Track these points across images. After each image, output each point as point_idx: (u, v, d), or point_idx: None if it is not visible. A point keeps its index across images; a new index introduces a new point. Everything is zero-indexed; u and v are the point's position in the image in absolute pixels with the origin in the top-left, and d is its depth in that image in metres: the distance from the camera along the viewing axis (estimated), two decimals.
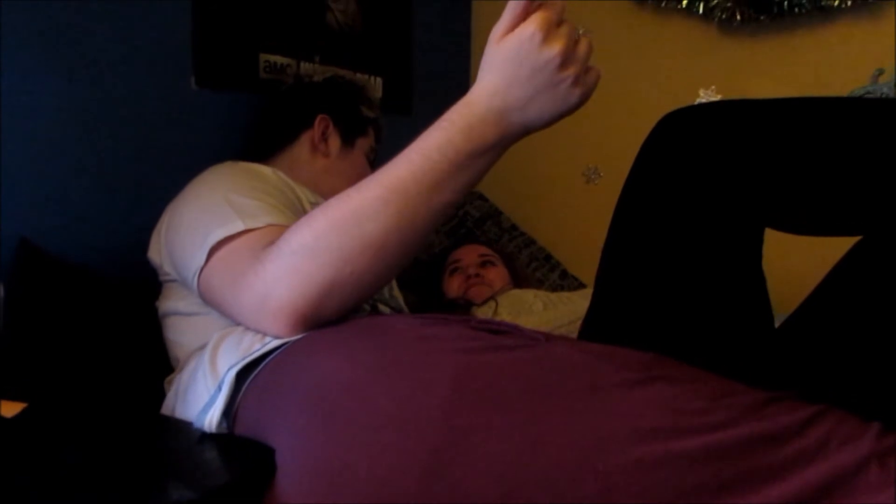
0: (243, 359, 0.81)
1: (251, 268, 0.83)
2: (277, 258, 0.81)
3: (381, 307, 1.10)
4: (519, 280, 1.77)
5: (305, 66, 1.59)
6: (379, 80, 1.81)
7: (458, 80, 2.14)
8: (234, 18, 1.45)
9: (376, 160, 1.40)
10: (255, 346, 0.82)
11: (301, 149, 1.30)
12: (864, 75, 1.58)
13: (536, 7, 0.78)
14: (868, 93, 1.54)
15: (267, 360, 0.80)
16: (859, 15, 1.66)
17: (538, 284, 1.90)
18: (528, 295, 1.62)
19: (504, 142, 0.81)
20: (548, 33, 0.77)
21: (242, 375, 0.80)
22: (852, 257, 0.79)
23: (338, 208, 0.81)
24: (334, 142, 1.31)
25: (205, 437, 0.79)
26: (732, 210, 0.80)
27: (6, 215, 1.09)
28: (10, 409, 0.79)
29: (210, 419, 0.79)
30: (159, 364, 1.03)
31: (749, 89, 1.74)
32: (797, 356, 0.79)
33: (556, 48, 0.77)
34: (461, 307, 1.59)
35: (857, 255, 0.79)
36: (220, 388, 0.80)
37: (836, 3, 1.64)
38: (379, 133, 1.41)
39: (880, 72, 1.56)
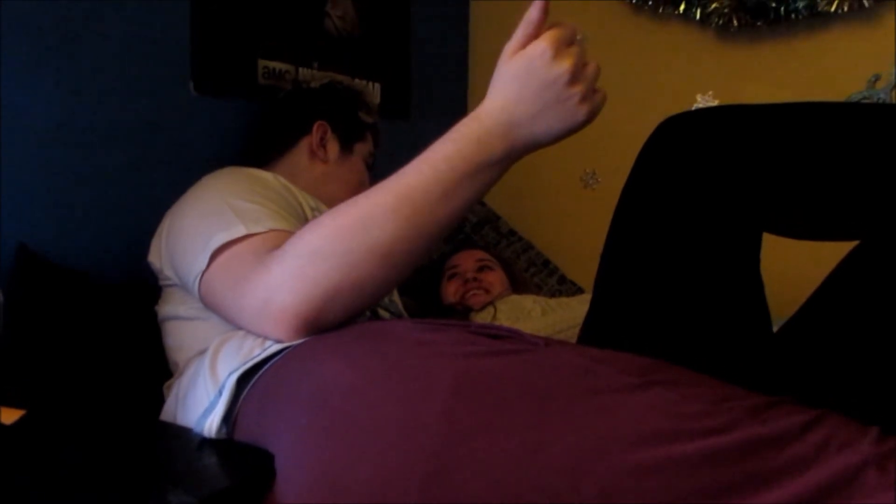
0: (244, 364, 0.81)
1: (254, 271, 0.83)
2: (282, 262, 0.81)
3: (381, 312, 1.10)
4: (517, 285, 1.77)
5: (304, 72, 1.60)
6: (377, 85, 1.82)
7: (456, 86, 2.15)
8: (232, 24, 1.46)
9: (375, 165, 1.41)
10: (255, 350, 0.82)
11: (300, 155, 1.30)
12: (861, 81, 1.59)
13: (548, 26, 0.81)
14: (865, 98, 1.55)
15: (267, 365, 0.80)
16: (856, 21, 1.66)
17: (536, 289, 1.90)
18: (527, 300, 1.62)
19: (511, 155, 0.83)
20: (558, 51, 0.79)
21: (243, 381, 0.80)
22: (850, 262, 0.79)
23: (345, 214, 0.82)
24: (333, 147, 1.31)
25: (204, 442, 0.79)
26: (730, 215, 0.80)
27: (5, 221, 1.09)
28: (10, 415, 0.79)
29: (210, 424, 0.79)
30: (158, 369, 1.03)
31: (746, 95, 1.75)
32: (795, 361, 0.79)
33: (565, 65, 0.79)
34: (459, 312, 1.59)
35: (855, 260, 0.79)
36: (220, 394, 0.80)
37: (833, 9, 1.64)
38: (377, 138, 1.42)
39: (877, 77, 1.57)
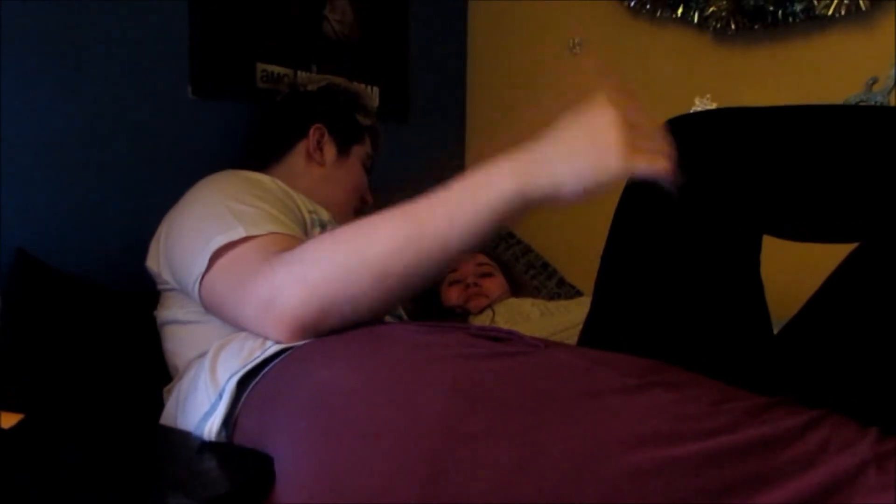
0: (244, 367, 0.81)
1: (259, 272, 0.83)
2: (289, 265, 0.82)
3: None
4: (516, 288, 1.77)
5: (302, 76, 1.60)
6: (376, 89, 1.82)
7: (455, 89, 2.15)
8: (230, 28, 1.45)
9: (373, 168, 1.41)
10: (255, 353, 0.82)
11: (297, 158, 1.30)
12: (858, 84, 1.59)
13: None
14: (862, 101, 1.55)
15: (267, 368, 0.80)
16: (853, 24, 1.66)
17: (535, 292, 1.90)
18: (526, 304, 1.62)
19: (525, 194, 0.75)
20: (610, 97, 0.73)
21: (243, 384, 0.80)
22: (850, 264, 0.79)
23: (355, 228, 0.82)
24: (329, 150, 1.31)
25: (204, 446, 0.79)
26: (730, 217, 0.80)
27: (3, 226, 1.09)
28: (9, 419, 0.79)
29: (210, 427, 0.79)
30: (157, 374, 1.03)
31: (744, 98, 1.75)
32: (795, 363, 0.79)
33: (611, 108, 0.73)
34: (458, 315, 1.59)
35: (855, 262, 0.79)
36: (220, 397, 0.80)
37: (830, 12, 1.65)
38: (376, 140, 1.42)
39: (874, 80, 1.57)
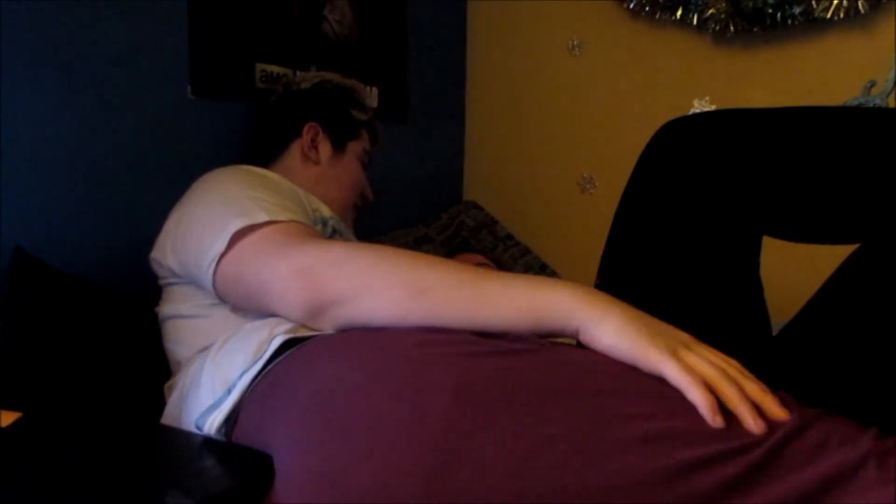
0: (255, 363, 0.81)
1: (305, 243, 0.87)
2: (325, 249, 0.86)
3: None
4: None
5: (299, 75, 1.60)
6: (375, 89, 1.82)
7: (455, 89, 2.15)
8: (230, 28, 1.46)
9: (371, 166, 1.40)
10: (263, 347, 0.82)
11: (293, 158, 1.30)
12: (857, 87, 1.59)
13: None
14: (861, 104, 1.55)
15: (270, 365, 0.80)
16: (852, 27, 1.67)
17: None
18: None
19: (570, 330, 0.74)
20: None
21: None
22: (850, 265, 0.79)
23: (406, 251, 0.87)
24: (325, 149, 1.31)
25: (203, 444, 0.79)
26: (730, 218, 0.80)
27: (2, 225, 1.09)
28: (8, 418, 0.79)
29: (212, 421, 0.79)
30: (157, 372, 1.03)
31: (743, 100, 1.75)
32: (795, 364, 0.79)
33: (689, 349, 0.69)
34: None
35: (855, 263, 0.79)
36: (228, 392, 0.80)
37: (829, 15, 1.65)
38: (374, 135, 1.41)
39: (872, 83, 1.57)
